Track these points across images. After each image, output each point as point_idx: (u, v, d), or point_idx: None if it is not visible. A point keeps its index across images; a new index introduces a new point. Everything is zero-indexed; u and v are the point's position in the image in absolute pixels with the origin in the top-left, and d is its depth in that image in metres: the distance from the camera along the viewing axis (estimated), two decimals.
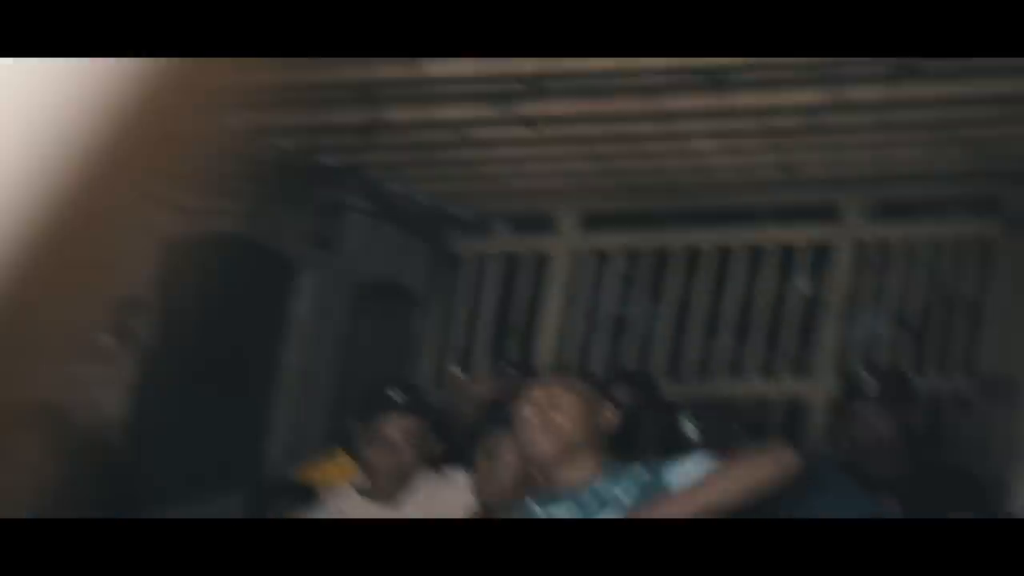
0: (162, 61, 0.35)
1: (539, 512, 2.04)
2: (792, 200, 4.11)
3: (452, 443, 2.47)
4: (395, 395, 2.38)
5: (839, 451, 2.75)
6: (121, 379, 2.67)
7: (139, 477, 2.43)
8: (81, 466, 1.96)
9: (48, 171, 0.33)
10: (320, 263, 3.59)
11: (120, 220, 0.37)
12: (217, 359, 3.13)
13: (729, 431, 2.45)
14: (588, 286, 4.25)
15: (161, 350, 2.71)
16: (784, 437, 3.28)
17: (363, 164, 3.43)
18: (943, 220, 4.14)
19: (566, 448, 2.02)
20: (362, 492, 2.38)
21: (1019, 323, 3.63)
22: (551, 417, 2.02)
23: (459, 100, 2.98)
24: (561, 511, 2.00)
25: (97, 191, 0.35)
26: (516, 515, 2.10)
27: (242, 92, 0.38)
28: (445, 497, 2.35)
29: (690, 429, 2.34)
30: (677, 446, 2.28)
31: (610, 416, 2.11)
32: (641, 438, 2.32)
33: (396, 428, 2.31)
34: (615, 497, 1.95)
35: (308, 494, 2.49)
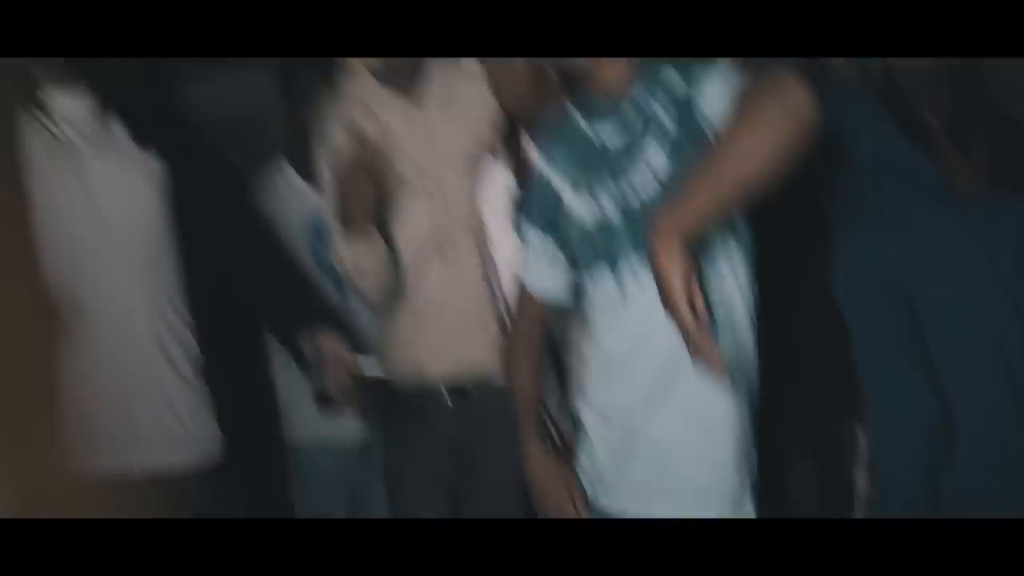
0: None
1: (583, 125, 1.77)
2: None
3: None
4: None
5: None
6: None
7: None
8: None
9: None
10: None
11: None
12: None
13: None
14: None
15: None
16: None
17: None
18: None
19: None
20: (379, 77, 2.25)
21: None
22: None
23: None
24: (607, 129, 1.74)
25: None
26: (553, 123, 1.84)
27: None
28: (463, 92, 2.25)
29: None
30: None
31: None
32: None
33: None
34: (654, 115, 1.71)
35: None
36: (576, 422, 1.88)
